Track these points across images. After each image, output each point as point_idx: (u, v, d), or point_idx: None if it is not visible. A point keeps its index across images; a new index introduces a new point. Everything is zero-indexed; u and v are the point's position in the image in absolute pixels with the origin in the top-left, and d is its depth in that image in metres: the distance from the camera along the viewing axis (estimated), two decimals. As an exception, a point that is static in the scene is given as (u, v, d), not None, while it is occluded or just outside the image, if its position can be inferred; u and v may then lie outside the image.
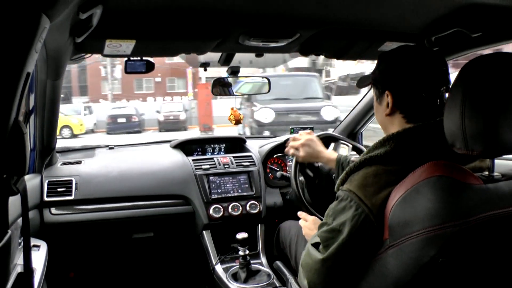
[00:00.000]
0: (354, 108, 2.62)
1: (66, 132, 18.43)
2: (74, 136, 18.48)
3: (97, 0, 1.11)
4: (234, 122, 2.35)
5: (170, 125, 20.10)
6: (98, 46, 1.54)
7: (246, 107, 11.04)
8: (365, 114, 2.53)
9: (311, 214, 1.94)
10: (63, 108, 20.34)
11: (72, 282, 2.46)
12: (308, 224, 1.64)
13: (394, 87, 1.18)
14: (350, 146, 2.08)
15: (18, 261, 1.27)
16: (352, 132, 2.68)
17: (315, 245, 1.19)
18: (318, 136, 2.11)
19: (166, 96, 30.40)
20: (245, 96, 10.93)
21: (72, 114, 19.72)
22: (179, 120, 20.49)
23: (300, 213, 1.75)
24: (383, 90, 1.21)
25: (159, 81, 32.20)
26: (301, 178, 2.12)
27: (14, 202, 0.94)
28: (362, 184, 1.07)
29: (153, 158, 2.47)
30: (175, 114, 20.65)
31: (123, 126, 19.76)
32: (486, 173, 1.01)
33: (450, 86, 1.00)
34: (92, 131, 21.05)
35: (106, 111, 21.34)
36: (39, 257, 1.52)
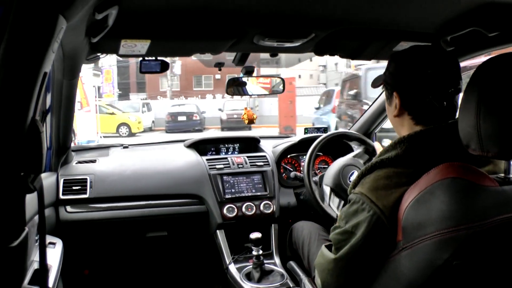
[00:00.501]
0: (368, 108, 2.61)
1: (123, 130, 17.11)
2: (131, 134, 17.06)
3: (113, 1, 1.12)
4: (247, 121, 2.36)
5: (233, 123, 18.92)
6: (114, 46, 1.55)
7: (353, 106, 9.91)
8: (379, 114, 2.52)
9: (324, 214, 1.94)
10: (121, 104, 19.17)
11: (86, 280, 2.49)
12: None
13: (401, 89, 1.17)
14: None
15: (35, 258, 1.29)
16: (366, 133, 2.67)
17: (328, 247, 1.19)
18: (332, 134, 2.11)
19: (225, 94, 29.70)
20: (351, 93, 9.96)
21: (130, 111, 18.63)
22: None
23: None
24: (392, 91, 1.20)
25: (219, 79, 30.76)
26: (315, 178, 2.12)
27: (30, 200, 0.95)
28: (373, 186, 1.06)
29: (167, 158, 2.48)
30: (239, 113, 18.87)
31: (183, 125, 18.73)
32: (502, 175, 0.99)
33: (465, 86, 0.98)
34: (150, 129, 19.99)
35: (165, 108, 20.27)
36: (54, 254, 1.54)
